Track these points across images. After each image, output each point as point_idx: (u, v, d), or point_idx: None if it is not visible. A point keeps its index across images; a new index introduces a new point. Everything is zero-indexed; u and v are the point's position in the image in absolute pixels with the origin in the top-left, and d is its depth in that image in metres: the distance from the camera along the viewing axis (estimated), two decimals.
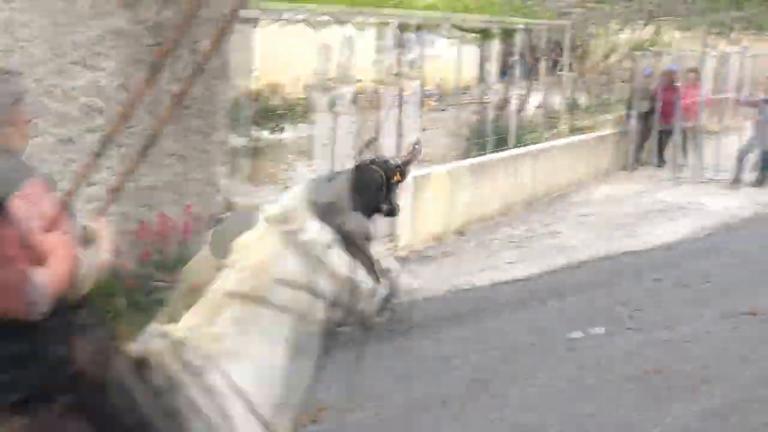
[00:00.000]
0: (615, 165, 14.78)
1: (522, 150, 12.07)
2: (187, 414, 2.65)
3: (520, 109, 12.82)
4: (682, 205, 12.56)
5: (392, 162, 6.39)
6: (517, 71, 12.53)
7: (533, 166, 12.04)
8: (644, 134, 15.31)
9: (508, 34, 12.38)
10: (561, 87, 13.95)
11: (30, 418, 2.40)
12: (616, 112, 15.54)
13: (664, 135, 14.90)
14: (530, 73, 14.33)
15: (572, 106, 14.06)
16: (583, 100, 16.33)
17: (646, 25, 18.68)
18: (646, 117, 14.96)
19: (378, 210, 6.11)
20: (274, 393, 2.81)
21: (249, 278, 2.84)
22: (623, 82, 17.73)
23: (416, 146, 6.62)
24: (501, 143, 11.68)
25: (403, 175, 6.63)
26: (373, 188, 6.17)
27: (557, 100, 14.70)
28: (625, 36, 19.28)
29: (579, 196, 11.88)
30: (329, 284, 2.94)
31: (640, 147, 15.24)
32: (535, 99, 13.84)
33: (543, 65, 14.76)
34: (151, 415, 2.58)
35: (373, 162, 6.25)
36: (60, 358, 2.43)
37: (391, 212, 6.27)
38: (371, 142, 7.72)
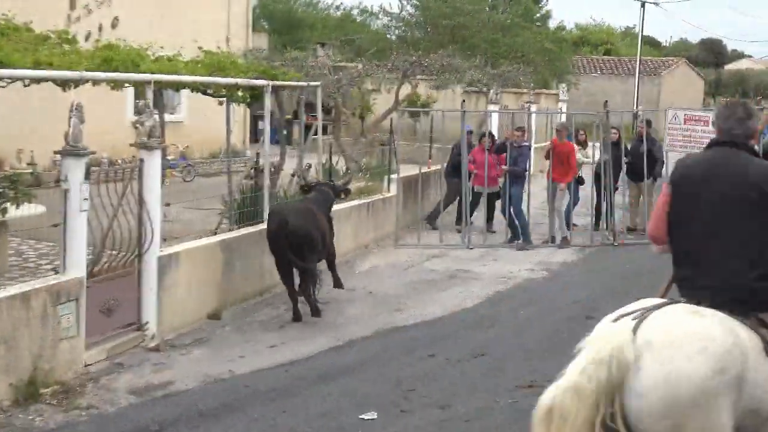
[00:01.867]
0: (382, 233, 15.33)
1: None
2: None
3: (274, 176, 12.96)
4: (453, 274, 13.21)
5: (336, 184, 11.89)
6: (269, 135, 12.71)
7: None
8: (449, 197, 16.26)
9: (255, 97, 12.57)
10: (317, 151, 14.29)
11: None
12: (381, 175, 16.18)
13: (476, 198, 16.17)
14: (285, 137, 14.61)
15: (329, 172, 14.41)
16: (342, 164, 16.84)
17: (401, 84, 19.67)
18: (453, 177, 16.18)
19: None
20: None
21: None
22: (382, 145, 18.52)
23: (349, 171, 9.17)
24: (256, 215, 11.74)
25: (347, 192, 12.28)
26: (329, 201, 11.47)
27: (314, 165, 15.04)
28: (382, 95, 20.22)
29: (343, 269, 12.13)
30: None
31: (436, 211, 16.46)
32: (290, 164, 14.08)
33: (297, 128, 15.06)
34: None
35: (321, 183, 11.78)
36: None
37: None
38: (308, 169, 12.77)
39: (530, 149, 16.15)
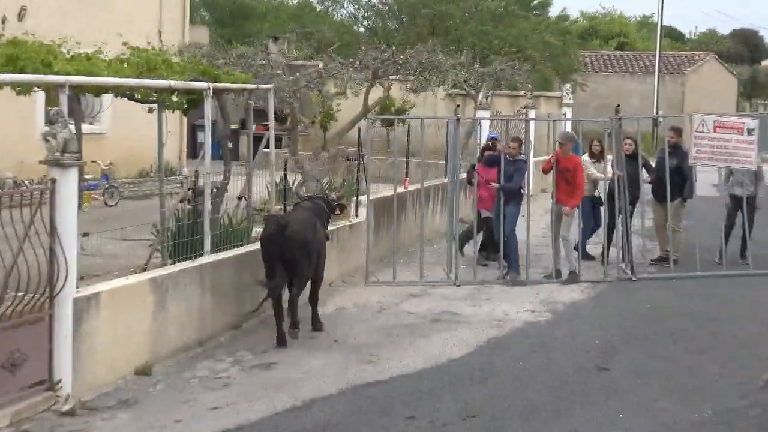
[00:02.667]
0: (349, 268, 15.30)
1: (224, 255, 12.13)
2: None
3: (218, 198, 12.93)
4: (437, 317, 13.19)
5: (330, 198, 13.23)
6: (210, 149, 12.67)
7: (238, 276, 12.12)
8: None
9: (194, 103, 12.56)
10: (269, 168, 14.29)
11: None
12: (348, 197, 16.18)
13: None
14: (231, 151, 14.58)
15: (285, 193, 14.39)
16: (297, 183, 16.82)
17: (371, 86, 19.73)
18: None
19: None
20: None
21: None
22: (349, 160, 18.54)
23: (344, 186, 11.32)
24: (195, 246, 11.69)
25: (342, 207, 13.34)
26: (324, 216, 12.55)
27: (266, 185, 15.04)
28: (348, 100, 20.25)
29: (301, 312, 12.10)
30: None
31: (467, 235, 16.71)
32: (236, 184, 14.05)
33: (245, 140, 15.06)
34: None
35: (314, 196, 13.06)
36: None
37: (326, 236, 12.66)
38: (303, 183, 15.29)
39: (527, 164, 16.22)
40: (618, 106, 17.36)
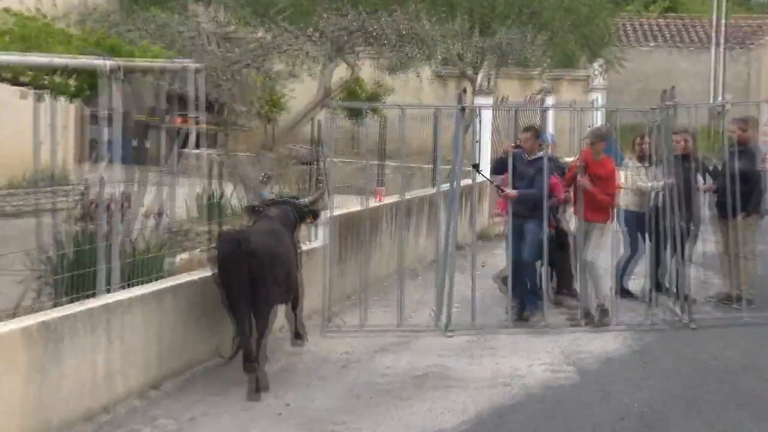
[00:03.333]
0: (315, 309, 15.24)
1: (132, 293, 12.05)
2: None
3: (126, 216, 12.85)
4: (423, 376, 13.16)
5: (301, 202, 13.83)
6: (115, 149, 12.57)
7: (157, 319, 12.06)
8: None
9: (94, 87, 12.49)
10: (196, 174, 14.23)
11: None
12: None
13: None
14: (141, 152, 14.50)
15: (215, 208, 14.33)
16: (236, 194, 16.76)
17: (334, 64, 19.70)
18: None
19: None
20: None
21: None
22: (302, 163, 18.47)
23: (320, 185, 13.43)
24: (88, 281, 11.61)
25: (315, 215, 14.21)
26: (290, 225, 13.48)
27: (190, 198, 14.97)
28: (303, 83, 20.22)
29: (238, 369, 12.02)
30: None
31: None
32: (151, 197, 13.96)
33: (162, 137, 14.98)
34: None
35: (278, 200, 13.80)
36: None
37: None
38: (268, 179, 15.72)
39: (551, 162, 16.13)
40: (672, 88, 17.06)
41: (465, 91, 17.80)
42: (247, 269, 11.99)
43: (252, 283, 12.04)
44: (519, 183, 15.71)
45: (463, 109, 16.25)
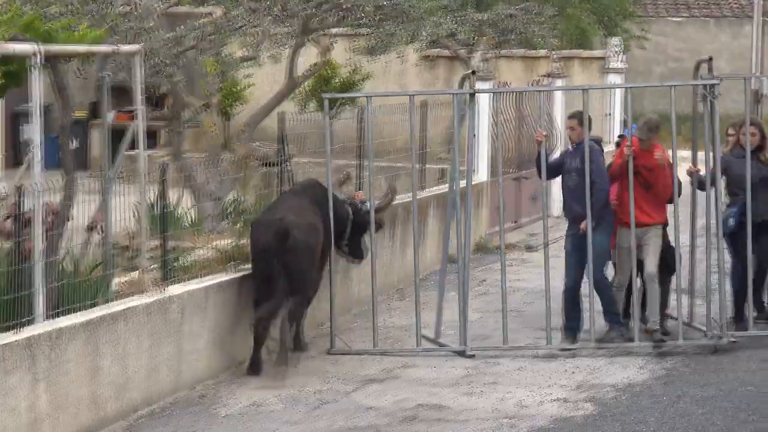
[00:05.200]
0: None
1: (70, 320, 12.09)
2: None
3: (56, 230, 12.92)
4: (412, 414, 13.19)
5: (363, 207, 15.94)
6: (44, 151, 12.63)
7: (92, 352, 12.10)
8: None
9: (13, 77, 12.56)
10: (138, 180, 14.30)
11: None
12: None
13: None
14: (75, 155, 14.54)
15: (164, 219, 14.40)
16: (187, 203, 16.83)
17: (300, 47, 19.77)
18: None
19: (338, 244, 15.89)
20: None
21: None
22: (265, 164, 18.53)
23: (389, 190, 15.02)
24: (16, 309, 11.65)
25: (380, 223, 16.27)
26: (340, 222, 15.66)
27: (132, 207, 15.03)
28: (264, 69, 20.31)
29: (196, 410, 12.11)
30: None
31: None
32: (86, 209, 14.03)
33: (98, 137, 15.02)
34: None
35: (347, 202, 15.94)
36: None
37: (355, 254, 16.31)
38: (347, 178, 16.98)
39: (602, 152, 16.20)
40: (710, 59, 16.61)
41: (474, 73, 17.63)
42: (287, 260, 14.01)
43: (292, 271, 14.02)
44: (567, 179, 15.90)
45: (472, 95, 16.24)
